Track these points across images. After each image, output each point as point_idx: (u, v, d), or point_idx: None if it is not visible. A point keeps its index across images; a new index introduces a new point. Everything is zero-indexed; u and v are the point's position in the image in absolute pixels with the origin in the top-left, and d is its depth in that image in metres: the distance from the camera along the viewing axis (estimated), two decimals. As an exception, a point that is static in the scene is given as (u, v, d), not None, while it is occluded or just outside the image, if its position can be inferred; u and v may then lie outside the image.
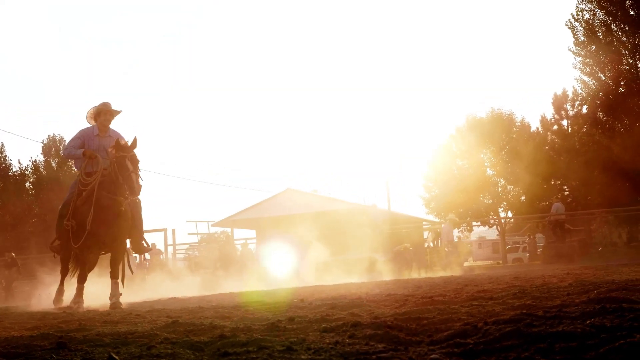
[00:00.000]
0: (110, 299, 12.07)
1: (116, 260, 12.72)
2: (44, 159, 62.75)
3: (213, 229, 48.64)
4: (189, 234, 39.34)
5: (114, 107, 13.13)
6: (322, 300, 8.44)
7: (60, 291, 13.19)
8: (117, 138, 12.35)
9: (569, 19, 43.05)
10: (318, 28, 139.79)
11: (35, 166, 62.06)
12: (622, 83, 41.88)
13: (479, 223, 50.22)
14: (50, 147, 63.03)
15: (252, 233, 46.35)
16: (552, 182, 51.28)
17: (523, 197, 53.34)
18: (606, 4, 41.57)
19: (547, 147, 51.20)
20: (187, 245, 40.61)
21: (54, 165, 62.36)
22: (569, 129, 52.19)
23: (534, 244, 36.39)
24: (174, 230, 35.55)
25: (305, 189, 53.60)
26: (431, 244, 39.13)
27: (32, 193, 61.32)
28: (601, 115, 44.52)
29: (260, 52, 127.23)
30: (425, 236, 42.78)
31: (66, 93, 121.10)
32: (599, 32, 41.97)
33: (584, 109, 49.13)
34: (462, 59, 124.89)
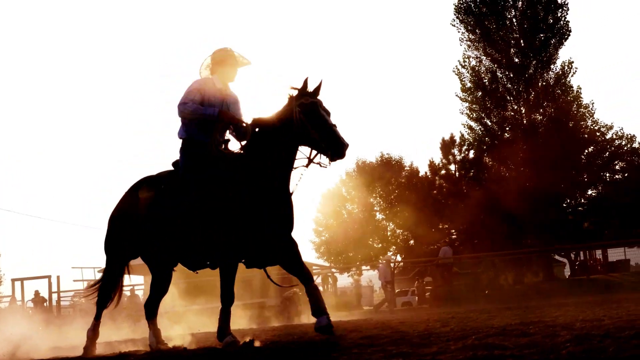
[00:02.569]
0: (316, 314, 8.28)
1: (297, 258, 8.61)
2: None
3: (99, 275, 47.50)
4: (74, 280, 38.07)
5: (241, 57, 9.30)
6: (205, 349, 8.21)
7: (93, 334, 9.64)
8: (303, 85, 8.34)
9: (456, 66, 43.98)
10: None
11: None
12: (508, 129, 42.83)
13: (368, 267, 50.33)
14: None
15: (140, 279, 45.42)
16: (440, 226, 51.92)
17: (412, 241, 53.87)
18: (492, 52, 42.54)
19: (435, 192, 51.88)
20: (73, 293, 39.48)
21: None
22: (457, 173, 53.02)
23: (422, 287, 36.65)
24: (58, 277, 34.50)
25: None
26: (321, 289, 39.02)
27: None
28: (487, 160, 45.42)
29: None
30: (315, 280, 42.73)
31: None
32: (485, 79, 42.89)
33: (471, 154, 50.01)
34: (352, 104, 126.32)
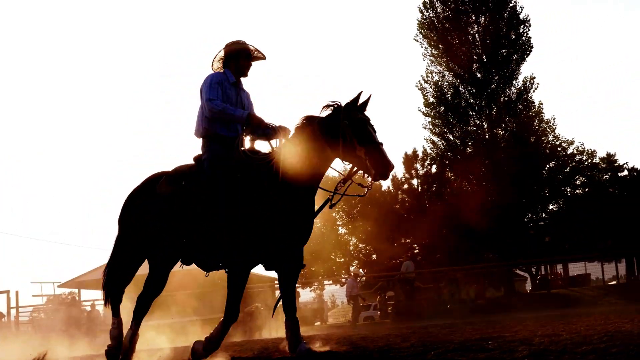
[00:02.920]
0: (290, 345, 8.26)
1: (294, 283, 8.63)
2: None
3: (59, 290, 46.98)
4: (33, 295, 37.64)
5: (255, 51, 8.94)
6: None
7: (119, 333, 9.20)
8: (354, 99, 8.03)
9: (419, 81, 44.06)
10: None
11: None
12: (470, 143, 42.99)
13: (330, 282, 50.29)
14: None
15: (100, 294, 44.87)
16: (403, 241, 51.95)
17: (374, 256, 53.88)
18: (454, 67, 42.73)
19: (397, 206, 51.93)
20: (32, 308, 38.98)
21: None
22: (419, 188, 53.12)
23: (384, 302, 36.65)
24: (17, 292, 34.09)
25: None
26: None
27: None
28: (450, 174, 45.58)
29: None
30: (277, 295, 42.49)
31: None
32: (448, 94, 43.05)
33: (434, 169, 50.15)
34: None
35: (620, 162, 49.13)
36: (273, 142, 8.46)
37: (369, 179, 7.97)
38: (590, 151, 45.74)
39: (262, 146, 8.63)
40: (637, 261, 45.05)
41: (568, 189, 45.37)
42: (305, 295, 46.71)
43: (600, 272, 40.96)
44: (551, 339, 7.33)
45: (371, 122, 7.99)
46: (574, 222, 42.90)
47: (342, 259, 54.94)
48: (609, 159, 48.93)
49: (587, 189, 45.54)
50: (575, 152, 44.76)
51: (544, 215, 45.56)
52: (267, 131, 8.50)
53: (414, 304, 32.18)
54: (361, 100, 8.06)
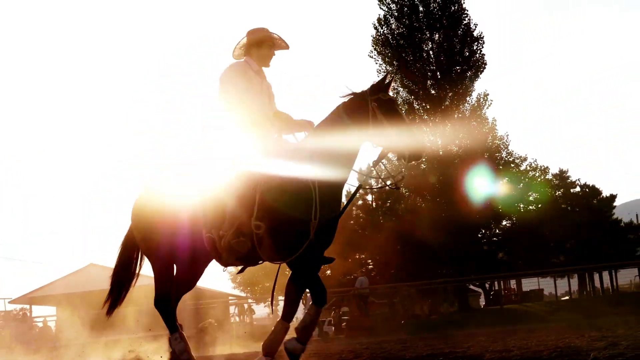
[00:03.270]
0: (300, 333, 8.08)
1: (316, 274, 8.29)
2: None
3: (10, 307, 46.28)
4: (-17, 312, 37.12)
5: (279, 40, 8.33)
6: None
7: (185, 346, 8.43)
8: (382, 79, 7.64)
9: (373, 97, 44.01)
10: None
11: None
12: (424, 159, 43.09)
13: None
14: None
15: (52, 310, 44.43)
16: (357, 256, 51.88)
17: (329, 271, 53.78)
18: (409, 83, 42.89)
19: (352, 222, 51.88)
20: (-18, 325, 38.38)
21: None
22: (374, 203, 53.12)
23: (338, 317, 36.57)
24: (-34, 309, 33.62)
25: (109, 264, 51.93)
26: (237, 319, 38.64)
27: None
28: (404, 191, 45.62)
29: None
30: (231, 311, 42.22)
31: None
32: (402, 110, 43.06)
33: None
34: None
35: (573, 178, 49.69)
36: (298, 135, 8.06)
37: (402, 161, 7.67)
38: (543, 167, 46.21)
39: (288, 139, 8.22)
40: (589, 277, 45.51)
41: (521, 205, 45.71)
42: (259, 311, 46.44)
43: (553, 287, 41.24)
44: (502, 355, 7.34)
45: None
46: (527, 238, 43.20)
47: (296, 275, 54.87)
48: (562, 175, 49.38)
49: (539, 205, 45.89)
50: (528, 168, 45.18)
51: (497, 231, 45.88)
52: (293, 125, 8.09)
53: (368, 319, 32.15)
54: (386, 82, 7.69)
